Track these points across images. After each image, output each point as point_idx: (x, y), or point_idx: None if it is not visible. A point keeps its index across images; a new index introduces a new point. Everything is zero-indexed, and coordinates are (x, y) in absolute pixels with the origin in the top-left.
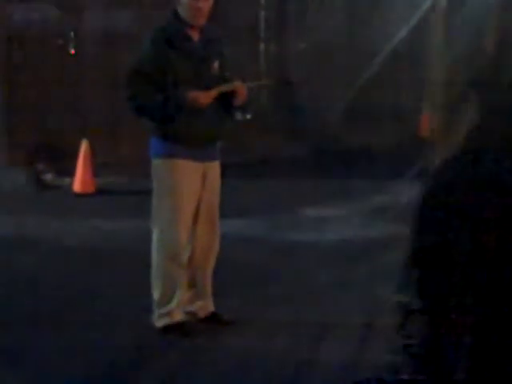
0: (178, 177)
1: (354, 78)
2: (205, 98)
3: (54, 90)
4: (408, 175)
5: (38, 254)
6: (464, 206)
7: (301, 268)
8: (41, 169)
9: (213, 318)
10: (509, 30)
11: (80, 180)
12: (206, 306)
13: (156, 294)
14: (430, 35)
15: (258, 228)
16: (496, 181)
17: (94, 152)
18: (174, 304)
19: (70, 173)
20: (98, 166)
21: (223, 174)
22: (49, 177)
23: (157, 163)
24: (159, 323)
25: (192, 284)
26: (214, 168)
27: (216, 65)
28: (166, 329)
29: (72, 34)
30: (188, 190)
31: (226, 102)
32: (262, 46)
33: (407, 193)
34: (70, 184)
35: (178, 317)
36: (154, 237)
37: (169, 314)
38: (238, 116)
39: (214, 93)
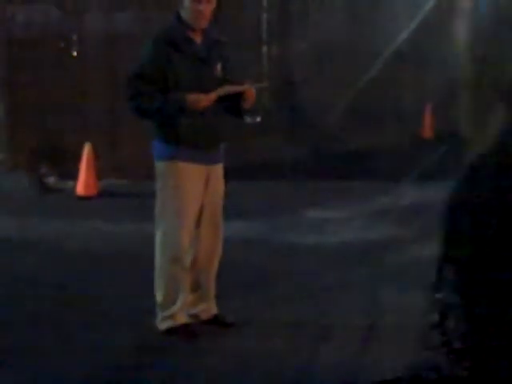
0: (180, 179)
1: (355, 78)
2: (205, 100)
3: (55, 91)
4: (409, 177)
5: (39, 256)
6: (498, 201)
7: (301, 270)
8: (43, 172)
9: (216, 321)
10: None
11: (83, 183)
12: (209, 308)
13: (159, 297)
14: (454, 36)
15: (258, 230)
16: None
17: (96, 155)
18: (177, 307)
19: (73, 176)
20: (100, 169)
21: (223, 176)
22: (51, 180)
23: (160, 166)
24: (162, 326)
25: (195, 286)
26: (217, 171)
27: (218, 67)
28: (170, 331)
29: (75, 36)
30: (191, 193)
31: (234, 105)
32: (264, 48)
33: (408, 194)
34: (73, 187)
35: (182, 319)
36: (157, 239)
37: (172, 316)
38: (248, 119)
39: (214, 95)
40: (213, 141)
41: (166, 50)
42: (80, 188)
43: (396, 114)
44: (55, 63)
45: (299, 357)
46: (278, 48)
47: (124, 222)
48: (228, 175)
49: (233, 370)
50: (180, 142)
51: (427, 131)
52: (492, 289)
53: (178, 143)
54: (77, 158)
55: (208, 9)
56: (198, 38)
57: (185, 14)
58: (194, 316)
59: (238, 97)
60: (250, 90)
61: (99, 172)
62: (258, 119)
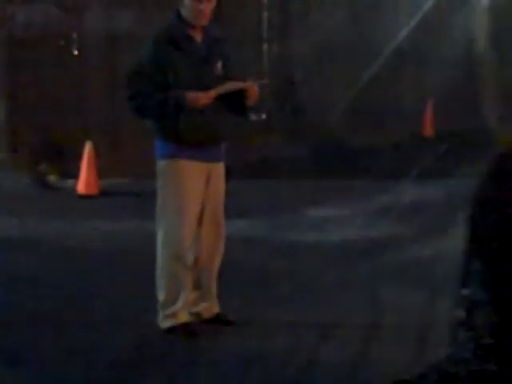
0: (182, 178)
1: (355, 77)
2: (204, 98)
3: (56, 90)
4: (410, 175)
5: (40, 255)
6: None
7: (302, 268)
8: (44, 170)
9: (217, 319)
10: None
11: (84, 182)
12: (210, 307)
13: (161, 296)
14: (477, 36)
15: (258, 228)
16: None
17: (97, 153)
18: (179, 305)
19: (74, 174)
20: (101, 168)
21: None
22: (52, 178)
23: (161, 164)
24: (164, 324)
25: (197, 285)
26: (218, 169)
27: (219, 65)
28: (171, 330)
29: (75, 35)
30: (192, 191)
31: (238, 103)
32: (264, 47)
33: (409, 193)
34: (74, 185)
35: (183, 318)
36: (159, 238)
37: (174, 315)
38: (253, 117)
39: (213, 93)
40: (213, 139)
41: (167, 48)
42: (81, 187)
43: (396, 112)
44: (55, 63)
45: (299, 355)
46: (279, 47)
47: (125, 221)
48: (229, 174)
49: (233, 369)
50: (180, 140)
51: (427, 130)
52: None
53: (178, 141)
54: (78, 157)
55: (208, 7)
56: (198, 36)
57: (185, 13)
58: (196, 314)
59: (241, 95)
60: (251, 87)
61: (100, 171)
62: (263, 116)
